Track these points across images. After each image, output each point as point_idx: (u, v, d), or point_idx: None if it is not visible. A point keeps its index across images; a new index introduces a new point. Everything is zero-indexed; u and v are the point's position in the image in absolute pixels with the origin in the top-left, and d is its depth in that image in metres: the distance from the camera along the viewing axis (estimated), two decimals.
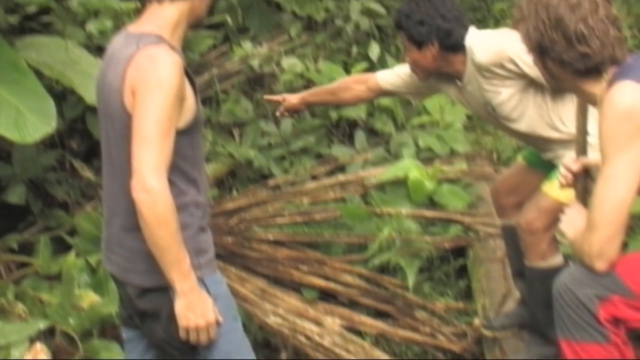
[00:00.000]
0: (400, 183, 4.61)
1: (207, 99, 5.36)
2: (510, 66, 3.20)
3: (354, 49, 5.75)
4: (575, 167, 2.61)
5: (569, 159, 2.70)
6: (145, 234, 2.34)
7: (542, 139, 3.36)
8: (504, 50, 3.20)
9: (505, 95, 3.31)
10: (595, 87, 2.37)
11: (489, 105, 3.37)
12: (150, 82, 2.37)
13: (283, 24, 5.82)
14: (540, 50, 2.38)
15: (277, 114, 4.03)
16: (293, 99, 3.95)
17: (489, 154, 5.25)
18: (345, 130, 5.46)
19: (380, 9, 5.86)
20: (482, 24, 6.09)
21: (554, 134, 3.32)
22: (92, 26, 4.54)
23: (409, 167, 4.56)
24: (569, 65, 2.35)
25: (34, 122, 3.60)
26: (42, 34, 4.57)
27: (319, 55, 5.71)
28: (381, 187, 4.73)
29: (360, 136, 5.31)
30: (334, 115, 5.28)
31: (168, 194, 2.33)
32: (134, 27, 2.55)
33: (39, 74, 3.92)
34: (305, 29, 5.88)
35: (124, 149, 2.43)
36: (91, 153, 4.83)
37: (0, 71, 3.75)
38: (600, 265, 2.37)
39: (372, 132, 5.44)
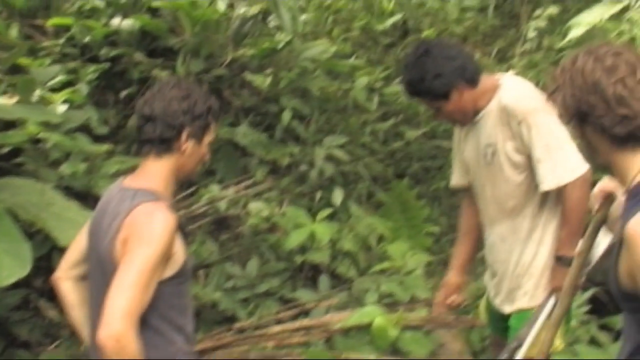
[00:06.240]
0: (364, 329, 4.66)
1: None
2: (522, 130, 3.28)
3: (318, 194, 5.89)
4: (609, 187, 2.63)
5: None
6: None
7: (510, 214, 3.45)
8: (527, 111, 3.27)
9: (509, 148, 3.36)
10: (634, 161, 2.25)
11: (489, 149, 3.41)
12: (143, 234, 2.47)
13: (249, 168, 5.95)
14: (579, 117, 2.27)
15: (454, 305, 4.00)
16: (452, 279, 3.94)
17: None
18: (308, 274, 5.53)
19: (344, 156, 6.04)
20: None
21: (525, 222, 3.44)
22: (65, 168, 4.61)
23: (374, 314, 4.62)
24: (608, 130, 2.22)
25: (9, 266, 3.49)
26: (14, 174, 4.57)
27: (284, 199, 5.84)
28: (345, 332, 4.77)
29: (323, 280, 5.39)
30: (298, 259, 5.36)
31: (136, 342, 2.33)
32: (128, 181, 2.66)
33: (13, 216, 3.91)
34: (270, 173, 6.02)
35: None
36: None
37: None
38: None
39: (334, 276, 5.52)
